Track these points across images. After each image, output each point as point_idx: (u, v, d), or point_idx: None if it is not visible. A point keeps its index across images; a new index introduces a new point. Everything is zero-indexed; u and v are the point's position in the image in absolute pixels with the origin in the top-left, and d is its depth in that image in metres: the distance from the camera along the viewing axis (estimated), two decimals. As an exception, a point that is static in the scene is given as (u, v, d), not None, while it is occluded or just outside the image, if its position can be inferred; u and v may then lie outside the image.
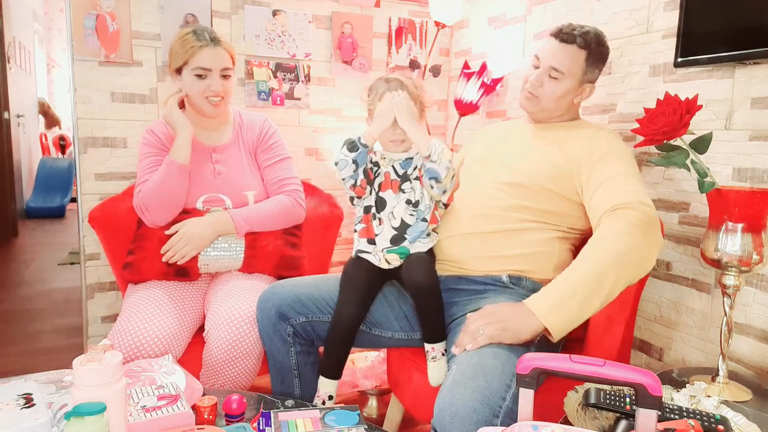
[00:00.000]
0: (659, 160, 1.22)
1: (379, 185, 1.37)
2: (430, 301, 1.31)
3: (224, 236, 1.57)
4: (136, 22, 1.92)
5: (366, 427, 1.04)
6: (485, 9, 2.25)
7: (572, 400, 0.98)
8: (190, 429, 0.96)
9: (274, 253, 1.60)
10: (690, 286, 1.45)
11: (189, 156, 1.55)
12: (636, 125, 1.22)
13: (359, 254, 1.39)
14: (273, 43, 2.12)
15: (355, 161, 1.31)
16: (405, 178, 1.36)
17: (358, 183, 1.34)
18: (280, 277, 1.60)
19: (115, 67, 1.91)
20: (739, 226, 1.13)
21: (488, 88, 2.12)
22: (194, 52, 1.51)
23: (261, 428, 1.04)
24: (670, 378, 1.23)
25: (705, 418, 0.88)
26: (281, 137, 1.74)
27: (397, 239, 1.35)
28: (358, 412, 1.09)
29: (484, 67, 2.12)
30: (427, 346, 1.31)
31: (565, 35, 1.37)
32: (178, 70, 1.55)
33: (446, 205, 1.41)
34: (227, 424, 1.06)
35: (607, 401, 0.90)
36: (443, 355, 1.29)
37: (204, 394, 1.16)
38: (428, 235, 1.37)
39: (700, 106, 1.16)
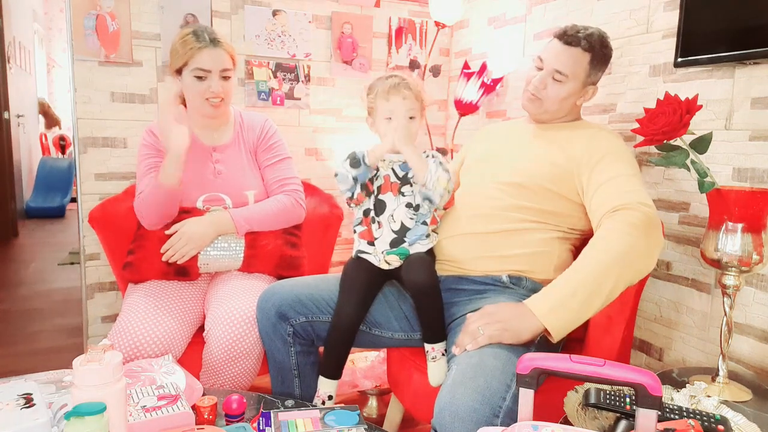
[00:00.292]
0: (659, 160, 1.22)
1: (379, 188, 1.37)
2: (430, 301, 1.31)
3: (224, 236, 1.56)
4: (136, 22, 1.92)
5: (366, 427, 1.04)
6: (485, 9, 2.25)
7: (572, 400, 0.98)
8: (190, 429, 0.96)
9: (274, 252, 1.60)
10: (690, 286, 1.45)
11: (179, 176, 1.49)
12: (636, 125, 1.22)
13: (359, 254, 1.39)
14: (273, 43, 2.12)
15: (355, 178, 1.31)
16: (405, 180, 1.36)
17: (355, 196, 1.34)
18: (280, 277, 1.60)
19: (115, 67, 1.91)
20: (739, 226, 1.13)
21: (488, 88, 2.12)
22: (194, 53, 1.50)
23: (261, 428, 1.04)
24: (670, 378, 1.23)
25: (705, 418, 0.88)
26: (281, 137, 1.74)
27: (396, 242, 1.35)
28: (358, 412, 1.09)
29: (484, 67, 2.12)
30: (427, 346, 1.31)
31: (569, 37, 1.37)
32: (179, 71, 1.55)
33: (445, 207, 1.41)
34: (227, 424, 1.06)
35: (607, 401, 0.90)
36: (443, 355, 1.29)
37: (204, 394, 1.16)
38: (428, 236, 1.37)
39: (700, 106, 1.16)
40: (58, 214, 5.64)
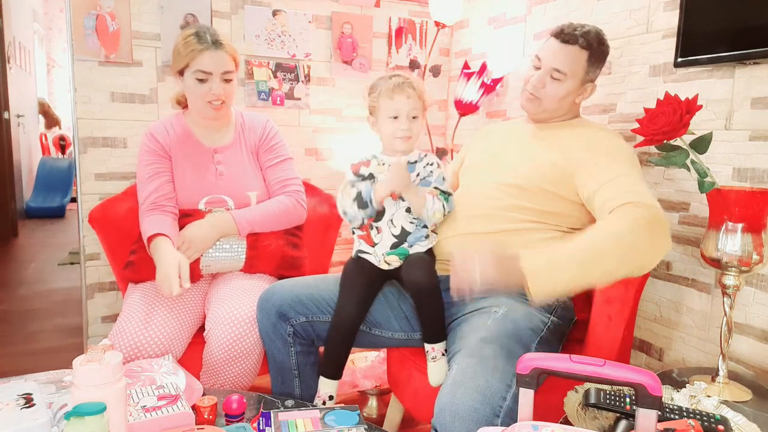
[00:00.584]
0: (659, 160, 1.22)
1: None
2: (430, 301, 1.31)
3: (226, 237, 1.56)
4: (136, 22, 1.92)
5: (366, 427, 1.04)
6: (485, 9, 2.25)
7: (572, 400, 0.98)
8: (190, 429, 0.96)
9: (275, 253, 1.60)
10: (690, 286, 1.45)
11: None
12: (636, 125, 1.22)
13: (359, 254, 1.39)
14: (273, 43, 2.12)
15: (363, 218, 1.34)
16: None
17: (365, 222, 1.37)
18: (281, 277, 1.60)
19: (115, 67, 1.91)
20: (739, 226, 1.13)
21: (488, 88, 2.12)
22: (195, 55, 1.49)
23: (261, 428, 1.04)
24: (670, 378, 1.23)
25: (705, 418, 0.88)
26: (283, 138, 1.74)
27: (396, 246, 1.35)
28: (358, 412, 1.09)
29: (484, 67, 2.12)
30: (427, 346, 1.31)
31: (566, 36, 1.37)
32: (181, 72, 1.54)
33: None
34: (227, 424, 1.06)
35: (607, 401, 0.90)
36: (443, 355, 1.29)
37: (204, 394, 1.16)
38: (427, 236, 1.37)
39: (700, 106, 1.16)
40: (58, 214, 5.64)
